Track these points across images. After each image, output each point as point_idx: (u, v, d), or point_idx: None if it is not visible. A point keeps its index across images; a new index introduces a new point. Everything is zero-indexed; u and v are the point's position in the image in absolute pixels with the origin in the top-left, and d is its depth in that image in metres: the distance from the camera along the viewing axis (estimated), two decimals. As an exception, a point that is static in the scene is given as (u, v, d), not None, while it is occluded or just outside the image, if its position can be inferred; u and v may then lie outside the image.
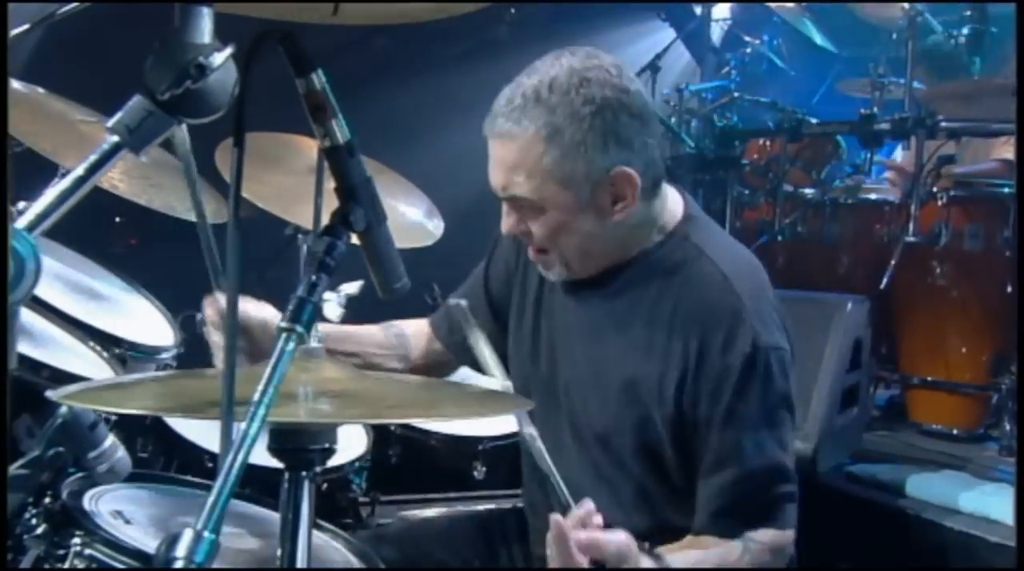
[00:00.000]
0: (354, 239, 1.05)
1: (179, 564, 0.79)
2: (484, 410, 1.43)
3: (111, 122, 0.87)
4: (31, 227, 0.81)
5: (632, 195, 1.56)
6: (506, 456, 2.58)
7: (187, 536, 0.81)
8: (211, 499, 0.83)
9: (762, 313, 1.56)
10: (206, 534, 0.81)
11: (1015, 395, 2.92)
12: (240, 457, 0.86)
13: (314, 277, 0.96)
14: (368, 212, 1.03)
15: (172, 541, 0.81)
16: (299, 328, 0.93)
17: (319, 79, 1.01)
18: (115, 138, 0.87)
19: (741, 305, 1.54)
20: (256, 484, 1.75)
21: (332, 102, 1.01)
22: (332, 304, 1.40)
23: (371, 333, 1.92)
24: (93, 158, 0.86)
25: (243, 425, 0.87)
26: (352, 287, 1.40)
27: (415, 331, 1.97)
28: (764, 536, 1.55)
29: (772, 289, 1.64)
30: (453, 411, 1.35)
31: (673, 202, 1.67)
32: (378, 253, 1.07)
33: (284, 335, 0.93)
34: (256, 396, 0.88)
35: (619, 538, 1.39)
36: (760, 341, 1.52)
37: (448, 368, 1.96)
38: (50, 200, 0.84)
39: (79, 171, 0.85)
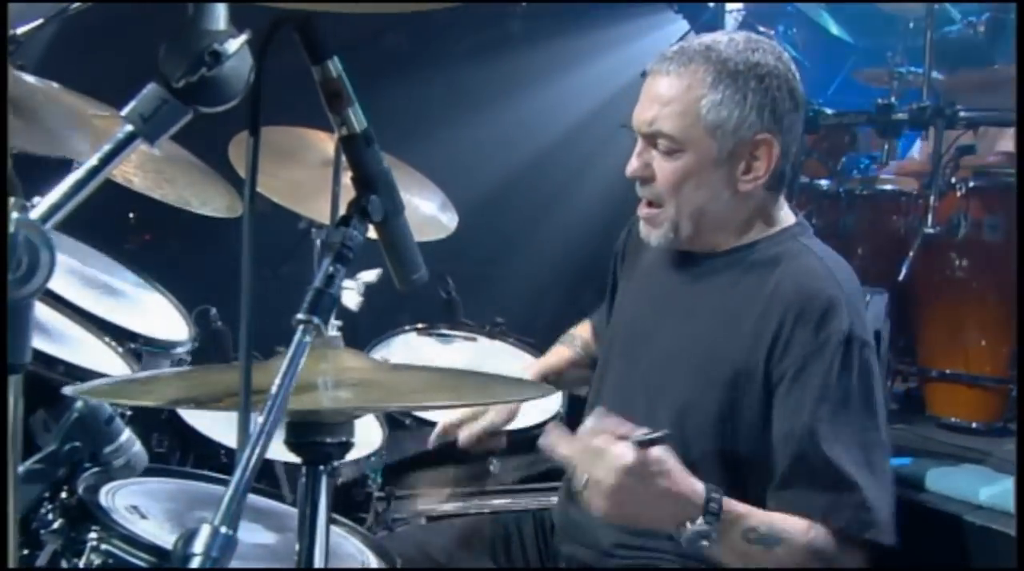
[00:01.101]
0: (371, 231, 1.04)
1: (197, 560, 0.78)
2: (507, 396, 1.41)
3: (125, 110, 0.86)
4: (45, 218, 0.80)
5: (765, 169, 1.59)
6: (522, 451, 2.56)
7: (204, 532, 0.80)
8: (228, 494, 0.82)
9: (859, 312, 1.56)
10: (223, 529, 0.80)
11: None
12: (257, 451, 0.85)
13: (331, 268, 0.95)
14: (386, 202, 1.02)
15: (189, 537, 0.80)
16: (316, 320, 0.92)
17: (335, 67, 0.99)
18: (129, 127, 0.86)
19: (841, 296, 1.54)
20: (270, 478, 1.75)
21: (348, 90, 0.99)
22: (351, 292, 1.38)
23: (565, 356, 2.06)
24: (107, 148, 0.85)
25: (260, 418, 0.86)
26: (370, 275, 1.40)
27: (586, 333, 2.07)
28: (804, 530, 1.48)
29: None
30: (475, 397, 1.33)
31: (787, 211, 1.70)
32: (396, 244, 1.05)
33: (301, 327, 0.92)
34: (273, 389, 0.87)
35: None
36: (855, 331, 1.51)
37: None
38: (64, 191, 0.83)
39: (93, 161, 0.84)
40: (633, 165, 1.63)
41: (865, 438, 1.50)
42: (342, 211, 1.03)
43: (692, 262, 1.69)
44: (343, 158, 1.06)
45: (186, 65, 0.86)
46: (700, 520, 1.39)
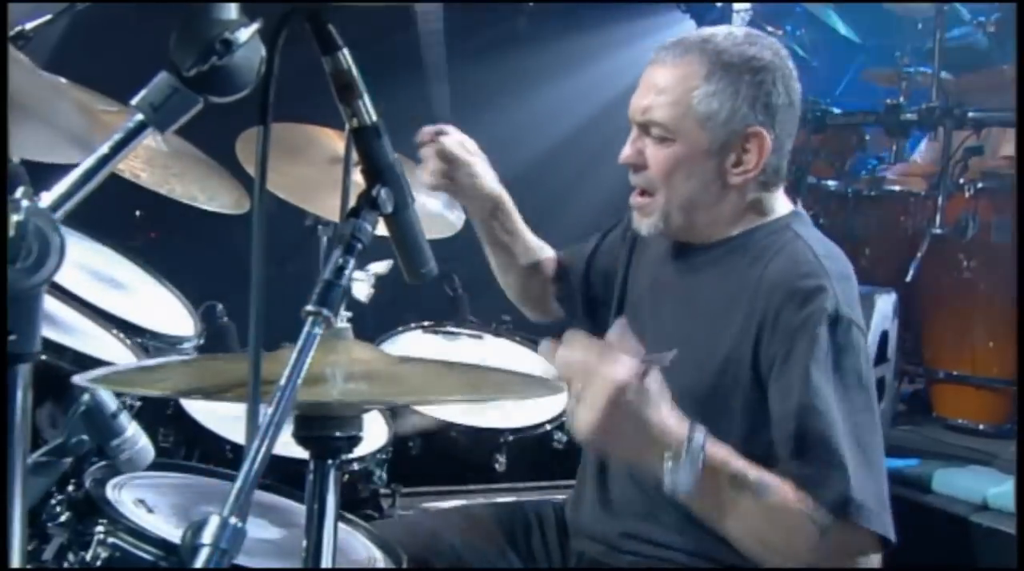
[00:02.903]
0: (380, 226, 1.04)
1: (205, 551, 0.78)
2: (519, 392, 1.39)
3: (135, 99, 0.86)
4: (55, 207, 0.80)
5: (755, 163, 1.59)
6: (528, 448, 2.56)
7: (213, 523, 0.79)
8: (237, 485, 0.82)
9: (848, 296, 1.52)
10: (232, 521, 0.80)
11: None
12: (266, 443, 0.85)
13: (341, 259, 0.94)
14: (395, 194, 1.01)
15: (198, 528, 0.79)
16: (326, 311, 0.91)
17: (346, 58, 0.99)
18: (140, 116, 0.86)
19: (828, 280, 1.51)
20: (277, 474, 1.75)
21: (359, 81, 0.99)
22: (362, 283, 1.37)
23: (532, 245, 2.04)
24: (118, 137, 0.85)
25: (269, 410, 0.86)
26: (381, 266, 1.38)
27: (553, 257, 2.07)
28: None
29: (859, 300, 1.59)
30: (489, 391, 1.31)
31: (784, 201, 1.70)
32: (405, 236, 1.05)
33: (311, 318, 0.91)
34: (282, 381, 0.87)
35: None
36: (842, 311, 1.49)
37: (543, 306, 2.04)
38: (74, 180, 0.83)
39: (103, 150, 0.84)
40: (626, 152, 1.65)
41: (857, 419, 1.46)
42: (352, 205, 1.03)
43: (688, 253, 1.70)
44: (353, 153, 1.05)
45: (197, 53, 0.86)
46: (683, 455, 1.33)
